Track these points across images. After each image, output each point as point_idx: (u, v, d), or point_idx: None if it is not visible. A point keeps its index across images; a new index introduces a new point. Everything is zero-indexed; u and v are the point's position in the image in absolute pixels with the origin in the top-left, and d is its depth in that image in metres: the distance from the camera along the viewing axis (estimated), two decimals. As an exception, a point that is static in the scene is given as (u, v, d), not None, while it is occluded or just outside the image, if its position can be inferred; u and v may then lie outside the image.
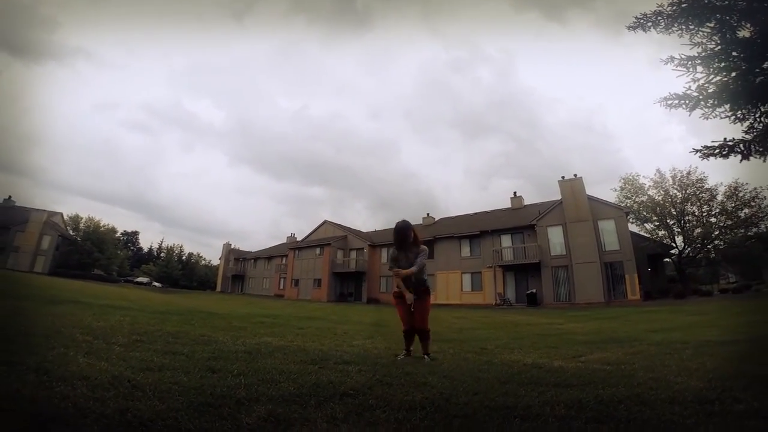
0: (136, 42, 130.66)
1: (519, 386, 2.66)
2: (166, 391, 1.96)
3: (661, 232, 25.35)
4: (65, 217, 51.50)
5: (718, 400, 2.11)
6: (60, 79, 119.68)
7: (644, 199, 25.58)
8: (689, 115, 5.27)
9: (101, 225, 51.35)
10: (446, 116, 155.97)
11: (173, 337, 4.05)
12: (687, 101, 5.11)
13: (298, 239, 47.33)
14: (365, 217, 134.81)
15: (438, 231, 32.69)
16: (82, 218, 52.23)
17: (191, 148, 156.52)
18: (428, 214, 38.45)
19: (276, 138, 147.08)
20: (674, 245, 25.23)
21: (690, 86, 5.07)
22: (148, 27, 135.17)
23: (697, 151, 5.30)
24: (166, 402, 1.79)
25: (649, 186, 25.61)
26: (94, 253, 46.55)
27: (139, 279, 54.63)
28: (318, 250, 37.36)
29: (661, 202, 24.70)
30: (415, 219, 39.83)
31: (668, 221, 24.71)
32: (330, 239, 37.58)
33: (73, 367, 2.15)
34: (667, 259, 27.44)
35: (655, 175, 25.49)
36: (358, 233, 39.44)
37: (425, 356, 4.00)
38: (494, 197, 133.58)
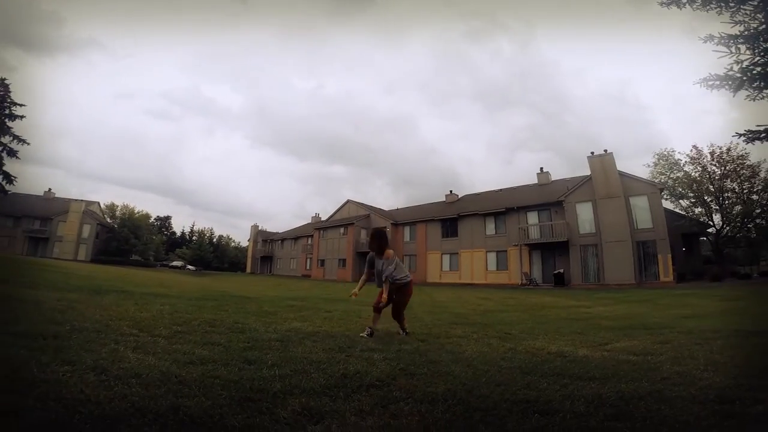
0: (145, 30, 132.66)
1: (541, 378, 2.71)
2: (210, 386, 2.12)
3: (698, 210, 24.32)
4: (102, 205, 54.13)
5: (739, 400, 2.10)
6: (76, 72, 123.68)
7: (680, 175, 24.47)
8: (733, 96, 4.99)
9: (136, 212, 53.67)
10: (466, 89, 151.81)
11: (210, 325, 4.30)
12: (730, 82, 4.82)
13: (322, 219, 48.13)
14: (387, 194, 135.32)
15: (462, 208, 32.47)
16: (117, 206, 54.84)
17: (213, 133, 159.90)
18: (451, 191, 38.18)
19: (294, 118, 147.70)
20: (711, 223, 24.17)
21: (732, 67, 4.77)
22: (154, 14, 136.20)
23: (740, 135, 5.04)
24: (211, 398, 1.95)
25: (686, 162, 24.48)
26: (131, 240, 48.86)
27: (174, 263, 57.17)
28: (342, 230, 37.90)
29: (698, 178, 23.55)
30: (437, 196, 39.67)
31: (705, 198, 23.60)
32: (353, 219, 38.00)
33: (126, 364, 2.36)
34: (703, 238, 26.36)
35: (691, 151, 24.29)
36: (380, 212, 39.67)
37: (403, 331, 4.75)
38: (520, 172, 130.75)
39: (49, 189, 51.41)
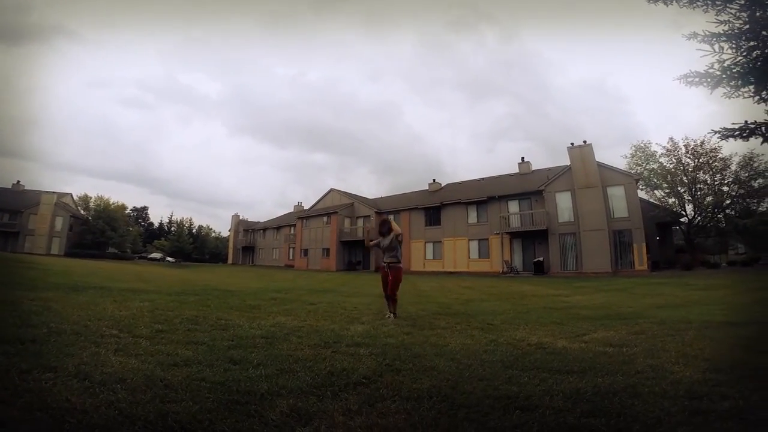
0: (117, 16, 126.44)
1: (522, 372, 2.80)
2: (196, 389, 2.11)
3: (671, 200, 25.17)
4: (75, 197, 52.22)
5: (707, 396, 2.20)
6: (46, 61, 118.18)
7: (655, 166, 25.28)
8: (710, 93, 5.12)
9: (111, 203, 52.00)
10: (449, 78, 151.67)
11: (192, 323, 4.25)
12: (708, 80, 4.94)
13: (305, 208, 47.82)
14: (371, 182, 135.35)
15: (444, 197, 32.74)
16: (91, 197, 52.94)
17: (189, 122, 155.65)
18: (434, 179, 38.44)
19: (275, 106, 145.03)
20: (684, 213, 25.11)
21: (714, 65, 4.87)
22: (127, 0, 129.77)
23: (716, 132, 5.19)
24: (199, 402, 1.95)
25: (661, 153, 25.26)
26: (107, 232, 47.39)
27: (153, 255, 55.76)
28: (325, 219, 37.72)
29: (673, 169, 24.37)
30: (421, 184, 39.99)
31: (679, 189, 24.47)
32: (337, 207, 37.84)
33: (109, 368, 2.31)
34: (676, 228, 27.36)
35: (667, 143, 25.03)
36: (364, 200, 39.62)
37: (391, 314, 5.60)
38: (501, 161, 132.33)
39: (18, 181, 49.28)
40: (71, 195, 51.55)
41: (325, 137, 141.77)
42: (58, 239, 44.49)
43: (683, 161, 24.28)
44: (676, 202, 25.01)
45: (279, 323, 4.71)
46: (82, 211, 51.25)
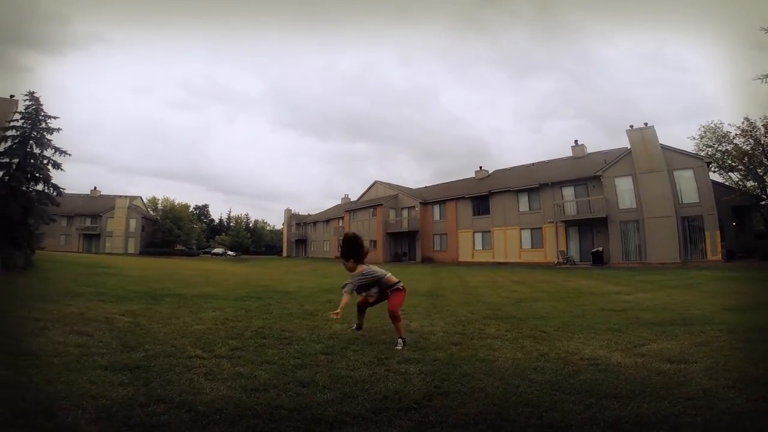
0: (151, 22, 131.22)
1: (569, 395, 2.83)
2: (278, 417, 2.40)
3: (750, 183, 22.75)
4: (144, 200, 57.55)
5: None
6: (89, 69, 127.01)
7: (729, 147, 22.91)
8: None
9: (176, 203, 56.53)
10: (486, 55, 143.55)
11: (261, 336, 4.69)
12: None
13: (351, 199, 49.05)
14: (413, 169, 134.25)
15: (493, 185, 32.08)
16: (158, 199, 58.01)
17: (234, 120, 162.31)
18: (481, 167, 37.79)
19: (312, 98, 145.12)
20: (765, 196, 22.64)
21: None
22: (158, 5, 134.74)
23: None
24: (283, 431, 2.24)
25: (736, 134, 22.76)
26: (174, 231, 51.80)
27: (216, 250, 60.46)
28: (371, 211, 38.47)
29: (750, 151, 21.95)
30: (465, 170, 39.42)
31: (758, 171, 22.03)
32: (381, 199, 38.42)
33: (205, 397, 2.65)
34: (756, 212, 24.78)
35: (743, 122, 22.50)
36: (408, 191, 39.84)
37: (399, 339, 4.46)
38: (551, 141, 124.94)
39: (95, 188, 55.58)
40: (141, 198, 56.85)
41: (363, 126, 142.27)
42: (133, 239, 49.62)
43: (762, 141, 21.77)
44: (756, 184, 22.59)
45: (336, 333, 5.04)
46: (151, 212, 56.29)
